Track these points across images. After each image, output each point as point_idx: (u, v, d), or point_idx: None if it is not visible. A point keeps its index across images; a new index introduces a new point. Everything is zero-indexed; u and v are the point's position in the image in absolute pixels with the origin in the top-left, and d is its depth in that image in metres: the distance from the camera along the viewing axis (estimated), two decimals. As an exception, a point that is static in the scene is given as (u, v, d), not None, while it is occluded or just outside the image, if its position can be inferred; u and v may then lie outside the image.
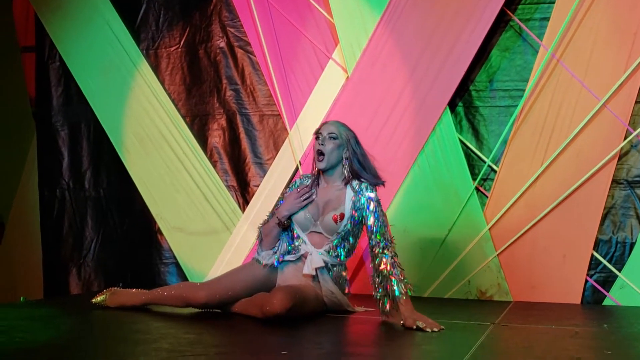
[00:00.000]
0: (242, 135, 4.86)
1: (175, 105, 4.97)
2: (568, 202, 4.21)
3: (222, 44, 4.91)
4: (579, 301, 4.16)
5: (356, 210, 3.55)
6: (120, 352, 2.65)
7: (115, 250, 5.12)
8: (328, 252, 3.58)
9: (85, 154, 5.20)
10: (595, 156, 4.17)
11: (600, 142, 4.17)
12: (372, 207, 3.51)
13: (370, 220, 3.49)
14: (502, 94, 4.40)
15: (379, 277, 3.37)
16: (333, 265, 3.59)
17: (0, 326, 3.07)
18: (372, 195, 3.54)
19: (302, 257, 3.59)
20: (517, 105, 4.32)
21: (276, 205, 3.76)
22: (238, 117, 4.87)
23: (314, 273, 3.54)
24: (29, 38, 5.44)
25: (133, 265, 5.05)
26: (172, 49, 5.02)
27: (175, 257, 4.93)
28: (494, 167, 4.36)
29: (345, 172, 3.60)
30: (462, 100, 4.46)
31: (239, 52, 4.88)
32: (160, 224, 4.96)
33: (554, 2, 4.28)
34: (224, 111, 4.91)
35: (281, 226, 3.63)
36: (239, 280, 3.57)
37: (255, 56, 4.82)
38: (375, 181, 3.61)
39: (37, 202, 5.29)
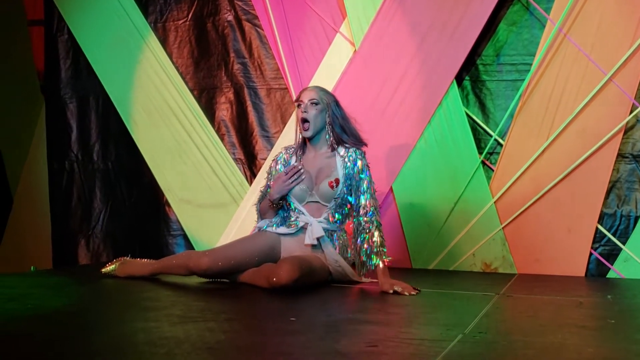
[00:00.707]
0: (250, 109, 4.87)
1: (183, 79, 4.99)
2: (573, 176, 4.23)
3: (230, 17, 4.92)
4: (583, 274, 4.19)
5: (348, 175, 3.60)
6: (131, 318, 2.70)
7: (123, 222, 5.16)
8: (327, 219, 3.63)
9: (93, 126, 5.23)
10: (601, 130, 4.18)
11: (606, 116, 4.18)
12: (360, 170, 3.59)
13: (359, 186, 3.57)
14: (509, 68, 4.40)
15: (360, 241, 3.49)
16: (333, 232, 3.64)
17: (13, 294, 3.13)
18: (362, 160, 3.61)
19: (303, 229, 3.63)
20: (523, 80, 4.32)
21: (267, 180, 3.78)
22: (245, 91, 4.88)
23: (315, 243, 3.58)
24: (37, 11, 5.45)
25: (141, 237, 5.09)
26: (180, 22, 5.03)
27: (183, 229, 4.97)
28: (500, 141, 4.38)
29: (327, 137, 3.66)
30: (469, 74, 4.47)
31: (247, 26, 4.88)
32: (168, 196, 5.00)
33: (561, -24, 4.28)
34: (231, 84, 4.92)
35: (273, 208, 3.68)
36: (242, 249, 3.59)
37: (262, 30, 4.82)
38: (358, 144, 3.66)
39: (46, 174, 5.33)
